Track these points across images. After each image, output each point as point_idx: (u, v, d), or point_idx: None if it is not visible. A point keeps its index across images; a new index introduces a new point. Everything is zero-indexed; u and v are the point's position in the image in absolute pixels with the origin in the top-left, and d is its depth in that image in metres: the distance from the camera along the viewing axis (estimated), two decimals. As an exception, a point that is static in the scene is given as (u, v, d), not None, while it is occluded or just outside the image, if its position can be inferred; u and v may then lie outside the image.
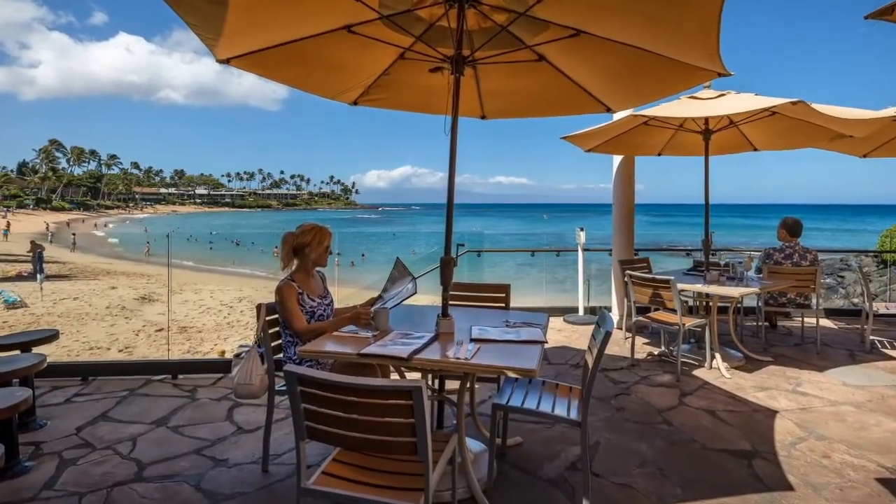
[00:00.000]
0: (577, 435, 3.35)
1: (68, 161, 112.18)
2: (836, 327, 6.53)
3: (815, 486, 2.87)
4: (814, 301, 5.56)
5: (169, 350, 6.41)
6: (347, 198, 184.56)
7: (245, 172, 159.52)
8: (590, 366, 2.65)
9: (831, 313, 7.19)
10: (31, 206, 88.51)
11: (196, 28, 2.64)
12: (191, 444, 3.38)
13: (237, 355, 3.00)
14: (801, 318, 6.14)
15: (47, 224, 56.49)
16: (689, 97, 5.04)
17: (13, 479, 2.93)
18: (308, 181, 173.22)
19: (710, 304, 5.03)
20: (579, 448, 3.15)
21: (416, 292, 3.12)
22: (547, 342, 2.72)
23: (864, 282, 5.82)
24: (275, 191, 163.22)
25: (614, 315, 6.55)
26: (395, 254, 3.83)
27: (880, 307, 5.72)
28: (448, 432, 2.54)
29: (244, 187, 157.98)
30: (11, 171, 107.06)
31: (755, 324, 6.18)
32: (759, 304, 5.87)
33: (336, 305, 3.30)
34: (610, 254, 6.94)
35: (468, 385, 3.10)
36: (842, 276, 14.07)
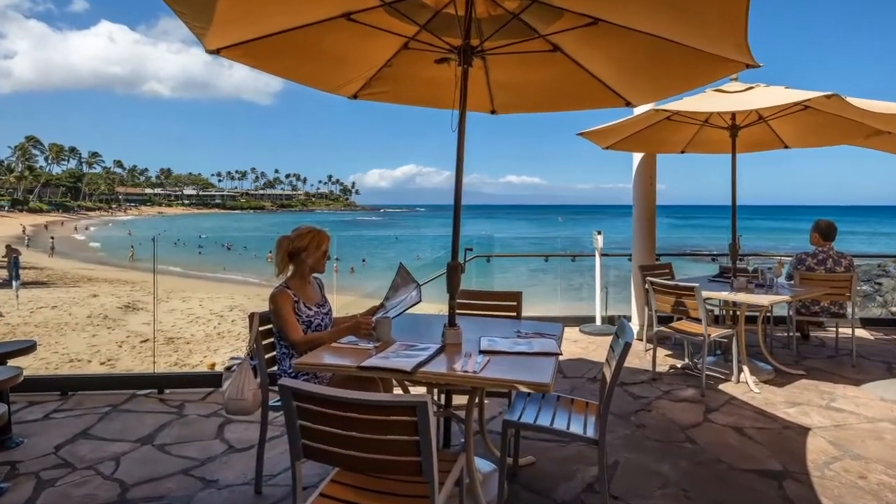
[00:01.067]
0: (594, 454, 3.32)
1: (46, 159, 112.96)
2: (872, 338, 6.49)
3: (853, 510, 2.85)
4: (849, 310, 5.53)
5: (155, 363, 6.43)
6: (347, 198, 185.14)
7: (237, 171, 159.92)
8: (608, 379, 2.65)
9: (868, 323, 7.15)
10: (6, 208, 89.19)
11: (184, 16, 2.65)
12: (178, 463, 3.39)
13: (228, 368, 3.00)
14: (835, 329, 6.09)
15: (24, 227, 56.78)
16: (715, 90, 5.02)
17: (-12, 501, 2.95)
18: (304, 181, 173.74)
19: (738, 313, 5.02)
20: (596, 468, 3.14)
21: (420, 300, 3.12)
22: (562, 354, 2.72)
23: (904, 289, 5.78)
24: (269, 191, 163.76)
25: (634, 325, 6.53)
26: (398, 259, 3.83)
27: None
28: (455, 451, 2.55)
29: (236, 187, 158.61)
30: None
31: (786, 334, 6.15)
32: (791, 313, 5.84)
33: (335, 314, 3.31)
34: (629, 259, 6.93)
35: (477, 400, 3.10)
36: (879, 283, 14.00)
